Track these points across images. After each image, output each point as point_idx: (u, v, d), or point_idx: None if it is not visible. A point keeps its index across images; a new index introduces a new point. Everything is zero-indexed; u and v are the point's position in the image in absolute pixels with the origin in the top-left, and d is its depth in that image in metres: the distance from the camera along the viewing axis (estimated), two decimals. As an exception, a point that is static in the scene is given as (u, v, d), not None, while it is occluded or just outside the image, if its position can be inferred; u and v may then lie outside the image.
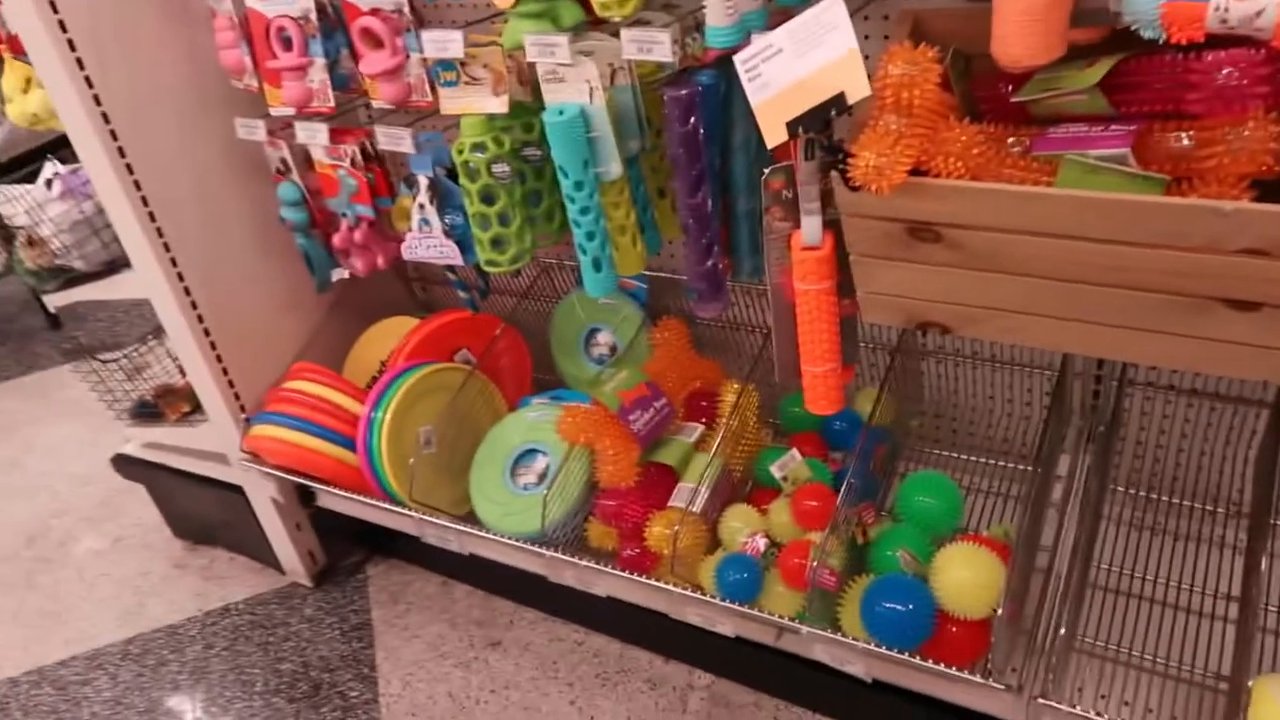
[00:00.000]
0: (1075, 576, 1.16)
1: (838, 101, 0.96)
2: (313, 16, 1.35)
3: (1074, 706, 1.05)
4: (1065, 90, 0.95)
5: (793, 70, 0.97)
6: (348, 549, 1.93)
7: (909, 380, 1.44)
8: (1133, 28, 0.87)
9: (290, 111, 1.42)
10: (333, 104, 1.39)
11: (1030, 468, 1.26)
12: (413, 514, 1.49)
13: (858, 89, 0.94)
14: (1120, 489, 1.38)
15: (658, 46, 1.09)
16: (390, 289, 1.89)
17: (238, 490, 1.79)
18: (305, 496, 1.77)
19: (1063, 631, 1.10)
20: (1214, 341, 0.94)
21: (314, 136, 1.43)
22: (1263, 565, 1.05)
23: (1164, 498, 1.36)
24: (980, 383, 1.43)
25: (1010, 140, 1.00)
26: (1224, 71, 0.83)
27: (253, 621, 1.85)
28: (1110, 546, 1.31)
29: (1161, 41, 0.85)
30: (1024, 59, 0.92)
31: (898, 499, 1.30)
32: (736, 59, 0.99)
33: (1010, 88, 1.02)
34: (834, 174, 1.00)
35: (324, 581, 1.90)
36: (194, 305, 1.57)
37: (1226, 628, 1.20)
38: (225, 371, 1.63)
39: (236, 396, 1.66)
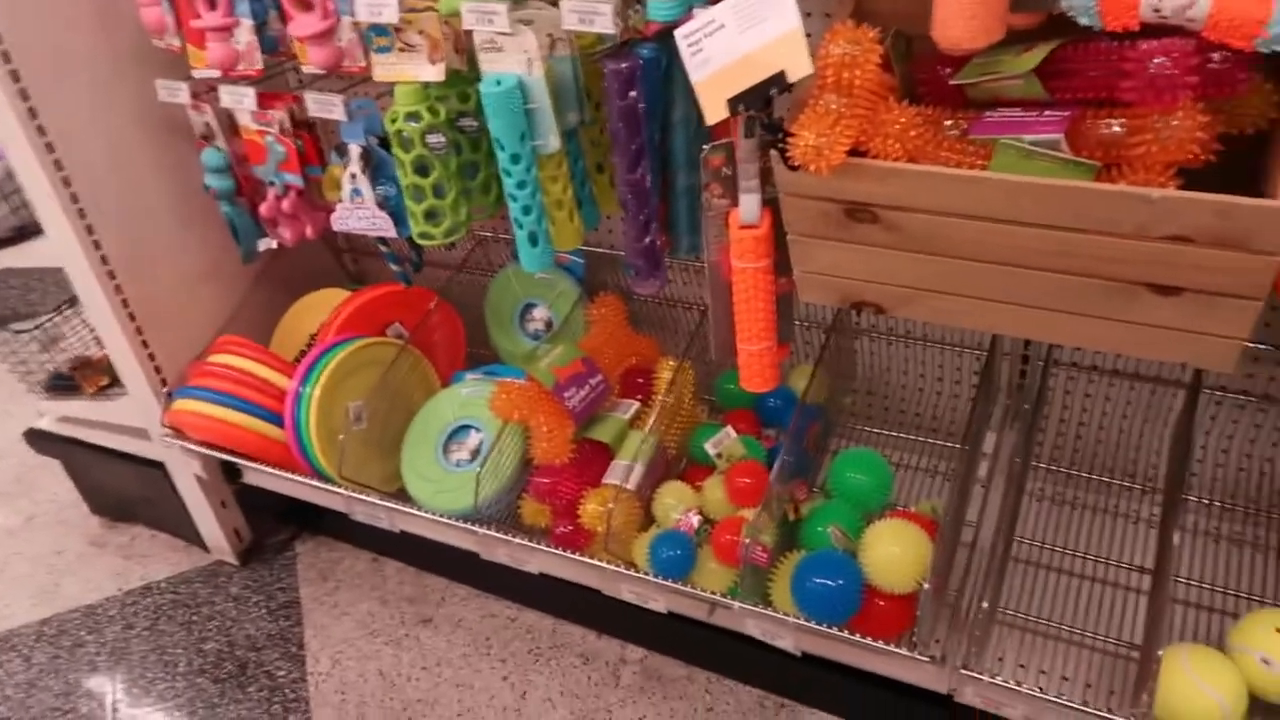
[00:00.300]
0: (998, 551, 1.19)
1: (778, 80, 0.95)
2: (238, -27, 1.29)
3: (994, 676, 1.08)
4: (1002, 75, 0.96)
5: (734, 47, 0.96)
6: (275, 526, 1.89)
7: (843, 359, 1.46)
8: (1069, 14, 0.88)
9: (215, 74, 1.36)
10: (260, 67, 1.34)
11: (958, 445, 1.28)
12: (342, 491, 1.46)
13: (799, 68, 0.94)
14: (1044, 465, 1.42)
15: (599, 18, 1.07)
16: (319, 260, 1.84)
17: (159, 466, 1.73)
18: (230, 473, 1.72)
19: (985, 604, 1.13)
20: (1138, 325, 0.97)
21: (240, 101, 1.37)
22: (1174, 539, 1.10)
23: (1084, 474, 1.40)
24: (912, 361, 1.46)
25: (948, 123, 1.01)
26: (1156, 61, 0.85)
27: (175, 601, 1.80)
28: (1033, 521, 1.35)
29: (1097, 29, 0.87)
30: (964, 42, 0.92)
31: (830, 475, 1.32)
32: (678, 33, 0.98)
33: (949, 70, 1.03)
34: (773, 153, 1.00)
35: (250, 559, 1.85)
36: (111, 275, 1.50)
37: (1139, 599, 1.25)
38: (145, 344, 1.57)
39: (157, 370, 1.60)
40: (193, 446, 1.57)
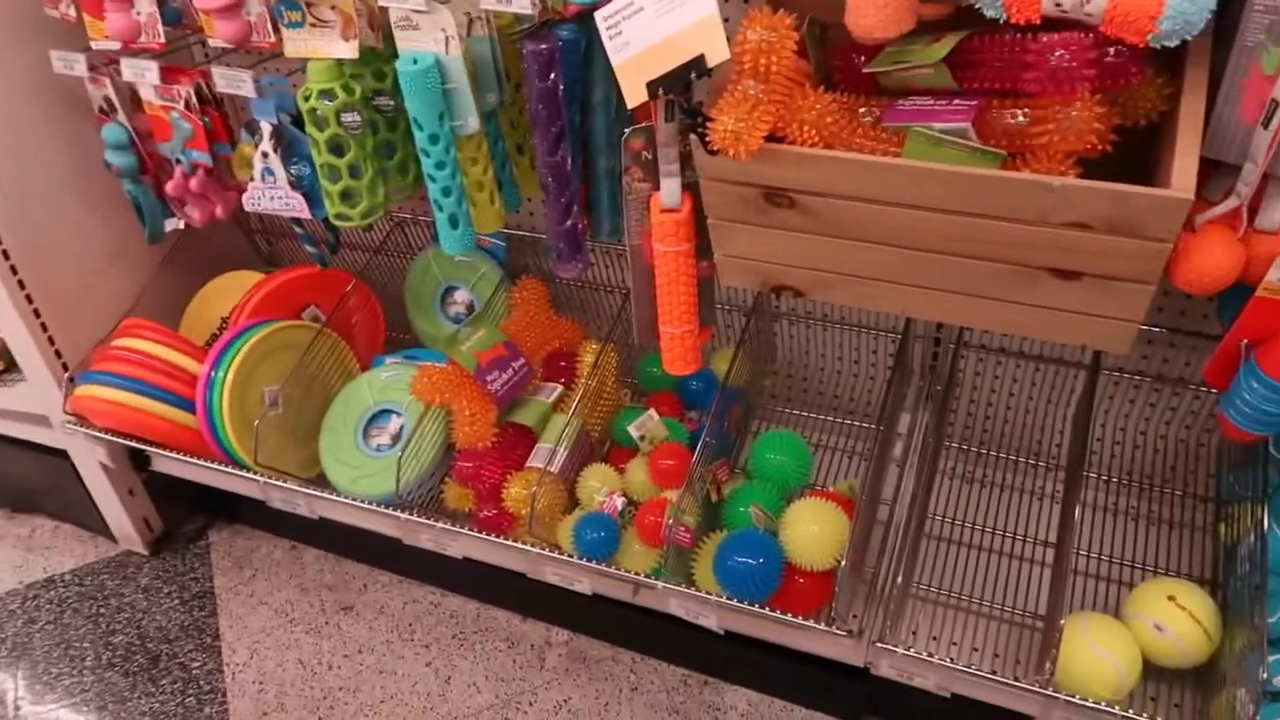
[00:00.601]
0: (912, 528, 1.23)
1: (697, 64, 0.96)
2: (138, -59, 1.24)
3: (908, 649, 1.12)
4: (913, 64, 0.98)
5: (654, 30, 0.96)
6: (187, 515, 1.83)
7: (763, 342, 1.48)
8: (977, 6, 0.91)
9: (115, 46, 1.31)
10: (163, 40, 1.29)
11: (874, 426, 1.32)
12: (258, 478, 1.42)
13: (717, 52, 0.94)
14: (955, 445, 1.47)
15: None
16: (231, 241, 1.78)
17: (61, 454, 1.67)
18: (139, 461, 1.66)
19: (899, 580, 1.17)
20: (1041, 308, 1.01)
21: (143, 75, 1.32)
22: (1076, 514, 1.15)
23: (993, 452, 1.46)
24: (829, 344, 1.49)
25: (862, 110, 1.03)
26: (1056, 54, 0.88)
27: (81, 593, 1.73)
28: (945, 498, 1.40)
29: (1002, 21, 0.89)
30: (876, 31, 0.94)
31: (750, 457, 1.34)
32: (598, 15, 0.97)
33: (862, 59, 1.05)
34: (693, 137, 1.00)
35: (161, 549, 1.80)
36: (5, 255, 1.43)
37: (1044, 571, 1.30)
38: (44, 327, 1.50)
39: (58, 354, 1.53)
40: (97, 433, 1.52)
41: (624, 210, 1.25)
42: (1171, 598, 1.09)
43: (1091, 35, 0.88)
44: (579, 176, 1.25)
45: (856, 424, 1.51)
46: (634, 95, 1.00)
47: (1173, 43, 0.84)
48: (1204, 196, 0.95)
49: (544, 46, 1.12)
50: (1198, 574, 1.26)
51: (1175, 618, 1.08)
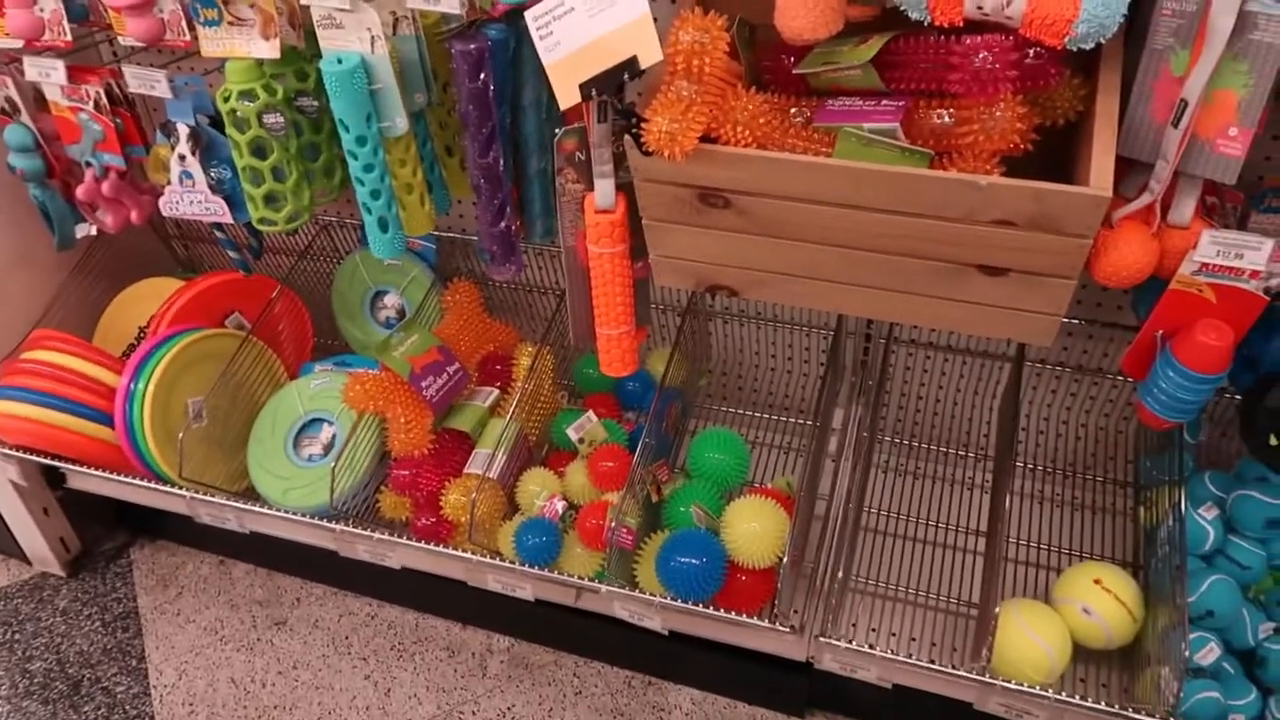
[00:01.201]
0: (849, 522, 1.25)
1: (630, 65, 0.95)
2: (40, -65, 1.18)
3: (850, 642, 1.13)
4: (841, 65, 0.99)
5: (585, 30, 0.96)
6: (107, 532, 1.76)
7: (698, 341, 1.49)
8: (902, 9, 0.92)
9: (16, 45, 1.24)
10: (69, 38, 1.23)
11: (809, 422, 1.33)
12: (184, 493, 1.37)
13: (650, 54, 0.94)
14: (888, 439, 1.50)
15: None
16: (146, 246, 1.72)
17: (-33, 474, 1.58)
18: (53, 478, 1.59)
19: (839, 574, 1.19)
20: (969, 304, 1.03)
21: (48, 75, 1.26)
22: (1005, 504, 1.18)
23: (925, 445, 1.49)
24: (763, 342, 1.50)
25: (793, 110, 1.04)
26: (979, 56, 0.90)
27: (-7, 619, 1.65)
28: (880, 492, 1.42)
29: (926, 24, 0.91)
30: (805, 33, 0.95)
31: (689, 456, 1.34)
32: (528, 15, 0.96)
33: (792, 60, 1.06)
34: (627, 138, 1.00)
35: (80, 569, 1.72)
36: (-100, 265, 1.36)
37: (977, 560, 1.34)
38: (-55, 342, 1.43)
39: (-39, 371, 1.45)
40: (7, 451, 1.44)
41: (558, 211, 1.25)
42: (1097, 581, 1.13)
43: (1012, 38, 0.90)
44: (511, 178, 1.24)
45: (792, 420, 1.53)
46: (566, 96, 1.00)
47: (1088, 45, 0.86)
48: (1119, 193, 0.98)
49: (473, 46, 1.10)
50: (1121, 557, 1.31)
51: (1101, 600, 1.12)
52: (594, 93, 0.98)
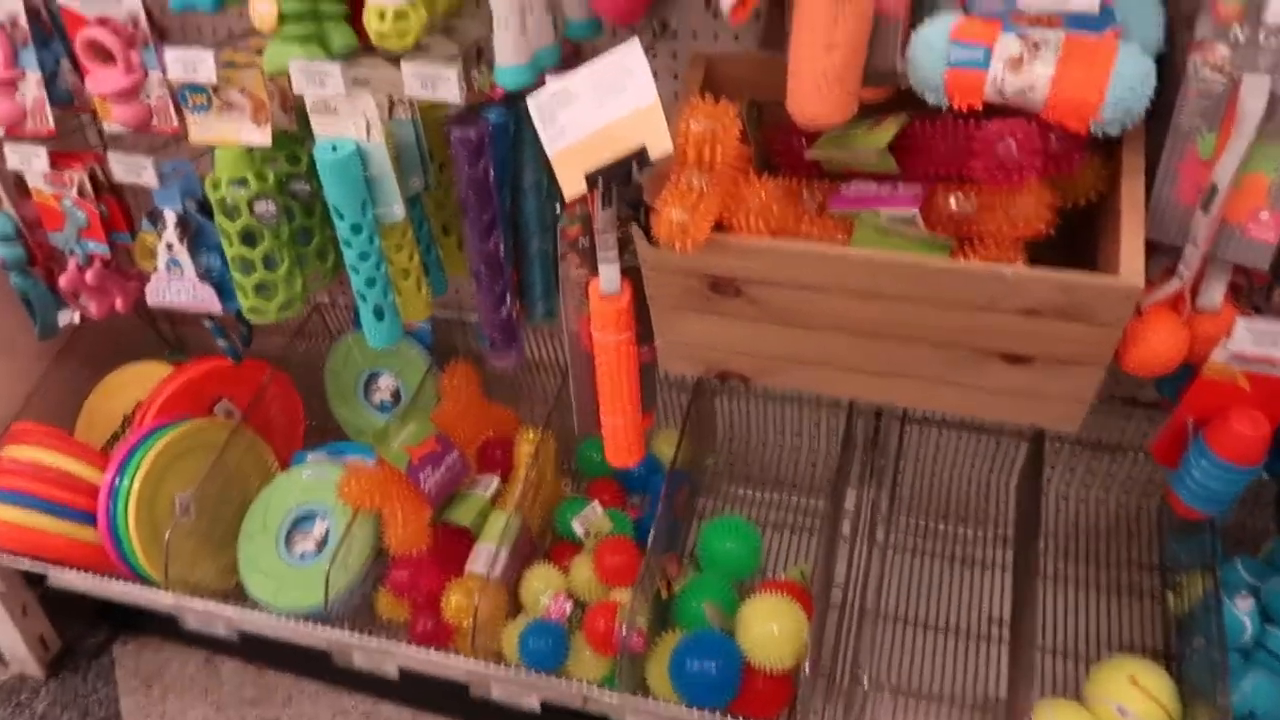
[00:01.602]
0: (866, 612, 1.19)
1: (639, 156, 0.92)
2: (22, 20, 1.15)
3: (875, 747, 1.08)
4: (856, 150, 0.96)
5: (591, 118, 0.92)
6: (88, 629, 1.67)
7: (704, 420, 1.44)
8: (918, 91, 0.90)
9: (-2, 133, 1.21)
10: (52, 125, 1.19)
11: (821, 501, 1.28)
12: (169, 596, 1.30)
13: (660, 144, 0.90)
14: (903, 517, 1.45)
15: (443, 83, 1.01)
16: (132, 328, 1.66)
17: (-60, 571, 1.51)
18: (32, 577, 1.51)
19: (859, 671, 1.13)
20: (990, 390, 0.99)
21: (30, 163, 1.22)
22: (1032, 593, 1.13)
23: (941, 525, 1.44)
24: (772, 418, 1.46)
25: (805, 195, 1.01)
26: (1002, 142, 0.87)
27: (-34, 724, 1.57)
28: (897, 575, 1.37)
29: (944, 107, 0.88)
30: (819, 118, 0.92)
31: (699, 545, 1.29)
32: (530, 103, 0.93)
33: (804, 142, 1.03)
34: (635, 228, 0.96)
35: (60, 669, 1.63)
36: (-127, 358, 1.30)
37: (1002, 650, 1.28)
38: (-81, 438, 1.36)
39: (-65, 467, 1.39)
40: (-16, 554, 1.38)
41: (560, 295, 1.21)
42: (1133, 679, 1.08)
43: (1037, 123, 0.87)
44: (511, 261, 1.20)
45: (804, 500, 1.47)
46: (571, 186, 0.96)
47: (1115, 131, 0.84)
48: (1145, 278, 0.95)
49: (472, 133, 1.07)
50: (1150, 645, 1.26)
51: (1138, 700, 1.07)
52: (600, 183, 0.95)
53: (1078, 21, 0.87)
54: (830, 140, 0.99)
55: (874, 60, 0.91)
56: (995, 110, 0.88)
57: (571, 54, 1.11)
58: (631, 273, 1.05)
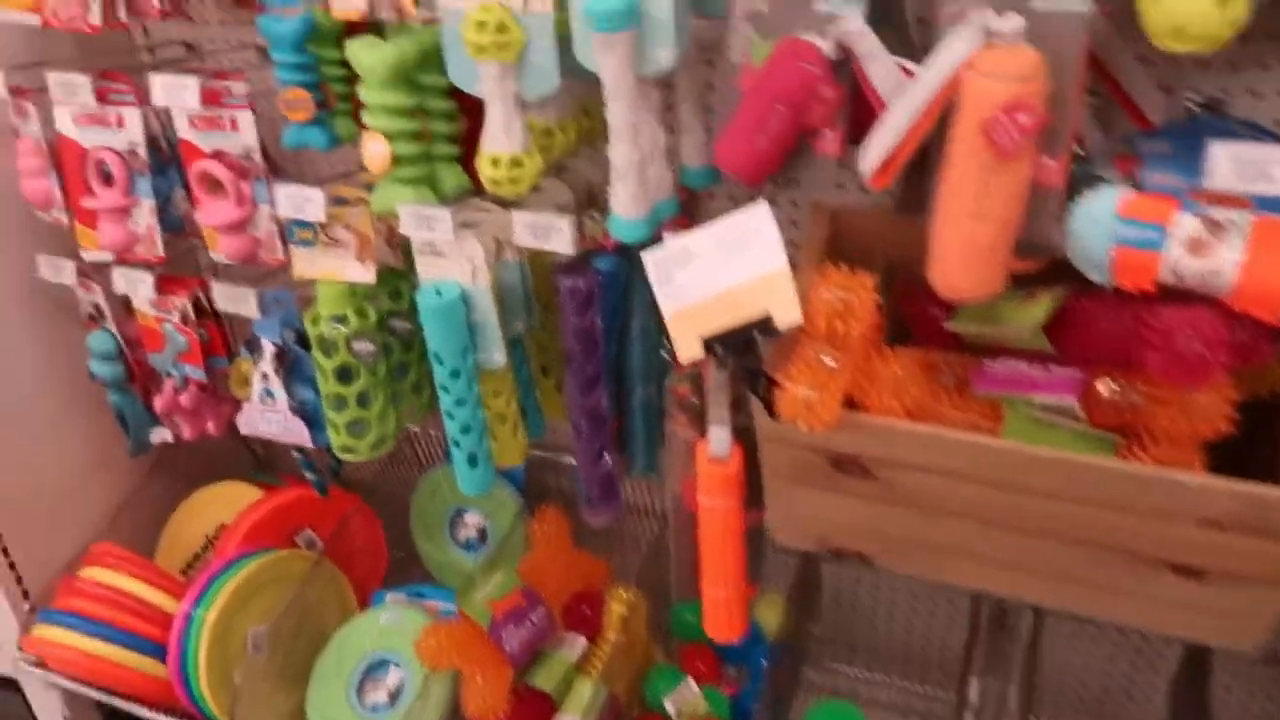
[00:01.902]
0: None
1: (763, 325, 0.84)
2: (141, 151, 1.15)
3: None
4: (1005, 326, 0.87)
5: (712, 280, 0.85)
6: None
7: (812, 586, 1.33)
8: (1077, 267, 0.80)
9: (107, 258, 1.20)
10: (161, 253, 1.19)
11: (941, 689, 1.15)
12: (234, 741, 1.24)
13: (787, 314, 0.83)
14: (1038, 717, 1.29)
15: (556, 234, 0.96)
16: (223, 446, 1.63)
17: (11, 685, 1.48)
18: (102, 705, 1.47)
19: None
20: (1152, 601, 0.87)
21: (136, 288, 1.21)
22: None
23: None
24: (885, 588, 1.33)
25: (945, 369, 0.92)
26: (1183, 334, 0.76)
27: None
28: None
29: (1109, 287, 0.79)
30: (965, 292, 0.83)
31: (803, 729, 1.17)
32: (647, 259, 0.87)
33: (943, 309, 0.94)
34: (754, 400, 0.88)
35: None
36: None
37: None
38: (4, 551, 1.35)
39: (19, 580, 1.37)
40: (57, 679, 1.34)
41: (665, 454, 1.13)
42: None
43: (1223, 314, 0.76)
44: (613, 411, 1.13)
45: (920, 685, 1.33)
46: (686, 350, 0.89)
47: (1318, 325, 0.73)
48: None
49: (582, 284, 1.01)
50: None
51: None
52: (719, 349, 0.88)
53: (1268, 203, 0.77)
54: (975, 313, 0.90)
55: (1028, 231, 0.82)
56: (1166, 290, 0.78)
57: (687, 200, 1.06)
58: (743, 434, 0.97)
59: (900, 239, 0.97)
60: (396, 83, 0.95)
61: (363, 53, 0.94)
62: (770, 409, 0.86)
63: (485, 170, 0.94)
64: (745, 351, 0.87)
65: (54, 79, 1.11)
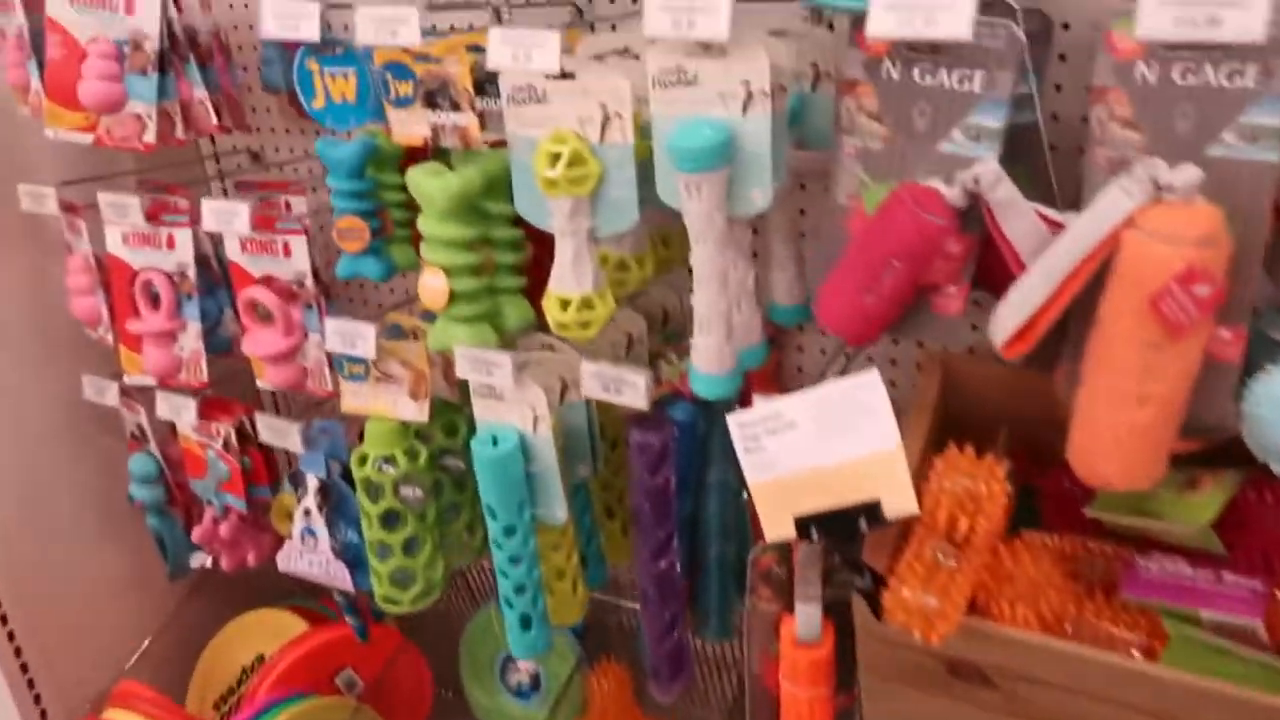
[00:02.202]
0: None
1: (870, 511, 0.72)
2: (190, 273, 1.08)
3: None
4: (1163, 519, 0.73)
5: (809, 453, 0.73)
6: None
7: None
8: (1257, 455, 0.66)
9: (150, 382, 1.13)
10: (205, 378, 1.11)
11: None
12: None
13: (899, 502, 0.70)
14: None
15: (629, 389, 0.85)
16: (264, 570, 1.55)
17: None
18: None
19: None
20: None
21: (179, 414, 1.14)
22: None
23: None
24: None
25: (1086, 560, 0.77)
26: None
27: None
28: None
29: (1298, 482, 0.64)
30: (1117, 482, 0.69)
31: None
32: (733, 421, 0.75)
33: (1079, 486, 0.80)
34: (856, 598, 0.75)
35: None
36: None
37: None
38: (31, 684, 1.26)
39: (43, 715, 1.28)
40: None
41: (744, 628, 1.00)
42: None
43: None
44: (686, 572, 1.01)
45: None
46: (775, 527, 0.77)
47: None
48: None
49: (655, 440, 0.90)
50: None
51: None
52: (814, 533, 0.75)
53: None
54: (1125, 501, 0.76)
55: (1195, 410, 0.68)
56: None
57: (772, 338, 0.95)
58: (834, 609, 0.83)
59: (1024, 390, 0.85)
60: (458, 214, 0.87)
61: (424, 181, 0.86)
62: (876, 609, 0.73)
63: (553, 313, 0.84)
64: (846, 539, 0.75)
65: (105, 199, 1.06)
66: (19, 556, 1.24)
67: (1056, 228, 0.67)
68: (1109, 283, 0.64)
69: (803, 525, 0.75)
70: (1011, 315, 0.66)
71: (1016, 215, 0.67)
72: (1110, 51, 0.64)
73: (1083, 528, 0.80)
